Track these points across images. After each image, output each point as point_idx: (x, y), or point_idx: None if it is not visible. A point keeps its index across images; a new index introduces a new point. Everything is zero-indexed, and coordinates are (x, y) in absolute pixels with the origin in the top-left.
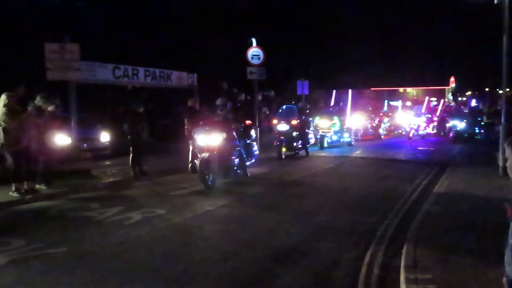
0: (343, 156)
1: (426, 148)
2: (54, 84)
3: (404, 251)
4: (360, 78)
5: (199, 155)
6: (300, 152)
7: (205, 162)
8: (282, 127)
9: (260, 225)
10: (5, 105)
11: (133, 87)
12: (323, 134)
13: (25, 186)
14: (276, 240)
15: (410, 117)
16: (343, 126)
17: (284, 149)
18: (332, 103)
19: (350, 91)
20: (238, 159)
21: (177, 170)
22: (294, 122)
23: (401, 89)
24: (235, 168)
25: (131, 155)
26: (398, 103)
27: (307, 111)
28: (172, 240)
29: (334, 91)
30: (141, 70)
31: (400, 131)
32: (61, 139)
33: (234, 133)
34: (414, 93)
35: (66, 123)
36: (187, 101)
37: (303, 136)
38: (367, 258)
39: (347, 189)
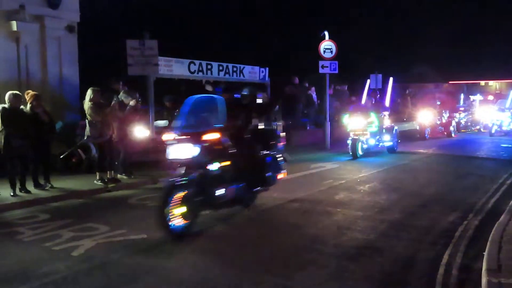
0: (417, 152)
1: (510, 146)
2: (133, 79)
3: (486, 253)
4: (437, 70)
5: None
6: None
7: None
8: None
9: (331, 220)
10: (90, 99)
11: (207, 81)
12: (356, 137)
13: (108, 176)
14: (348, 237)
15: (493, 112)
16: (381, 125)
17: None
18: (365, 94)
19: (391, 79)
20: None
21: None
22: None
23: (482, 82)
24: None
25: None
26: (476, 97)
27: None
28: (245, 231)
29: (370, 79)
30: (215, 65)
31: (477, 127)
32: (141, 132)
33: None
34: (497, 86)
35: (145, 116)
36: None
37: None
38: (445, 259)
39: (422, 187)
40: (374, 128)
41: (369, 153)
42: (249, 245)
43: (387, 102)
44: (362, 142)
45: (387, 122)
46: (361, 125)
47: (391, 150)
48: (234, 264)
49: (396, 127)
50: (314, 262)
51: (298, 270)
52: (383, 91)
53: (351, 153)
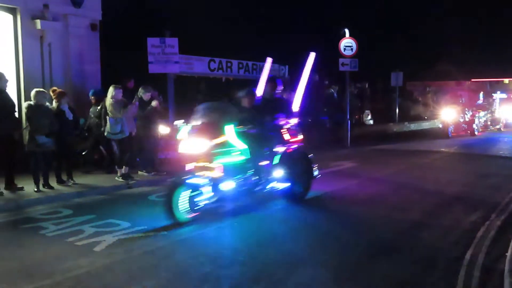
0: (439, 152)
1: None
2: (154, 77)
3: (509, 254)
4: (459, 68)
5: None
6: None
7: None
8: None
9: (351, 219)
10: (112, 97)
11: (227, 79)
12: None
13: (123, 173)
14: (369, 236)
15: None
16: (262, 150)
17: None
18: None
19: (311, 55)
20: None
21: None
22: None
23: (506, 80)
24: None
25: None
26: (497, 95)
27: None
28: (263, 230)
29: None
30: (235, 63)
31: (497, 126)
32: (162, 129)
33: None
34: None
35: (166, 113)
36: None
37: None
38: (467, 260)
39: (443, 186)
40: (233, 158)
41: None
42: (263, 244)
43: (296, 102)
44: (196, 189)
45: (286, 137)
46: (200, 149)
47: (292, 196)
48: (255, 263)
49: (310, 155)
50: (331, 260)
51: (317, 268)
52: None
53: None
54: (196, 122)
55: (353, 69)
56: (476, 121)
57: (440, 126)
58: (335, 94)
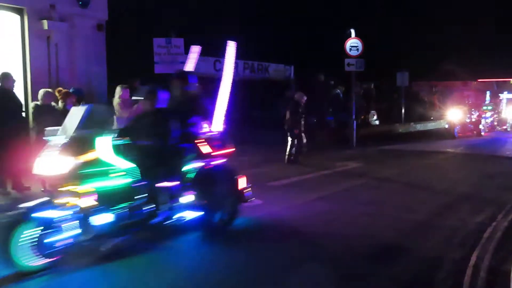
0: (445, 152)
1: None
2: (160, 77)
3: None
4: (465, 68)
5: None
6: None
7: None
8: None
9: (356, 219)
10: (120, 96)
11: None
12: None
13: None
14: (374, 236)
15: None
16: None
17: None
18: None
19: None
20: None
21: (272, 161)
22: None
23: None
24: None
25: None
26: (504, 96)
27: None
28: (268, 230)
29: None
30: (240, 63)
31: (504, 127)
32: None
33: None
34: None
35: None
36: (284, 93)
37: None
38: (473, 261)
39: (449, 186)
40: (113, 180)
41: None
42: (270, 244)
43: (220, 103)
44: (49, 225)
45: (205, 150)
46: (62, 169)
47: (210, 226)
48: (249, 267)
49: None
50: (338, 260)
51: (321, 268)
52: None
53: None
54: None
55: (358, 69)
56: (483, 121)
57: (446, 126)
58: (341, 95)
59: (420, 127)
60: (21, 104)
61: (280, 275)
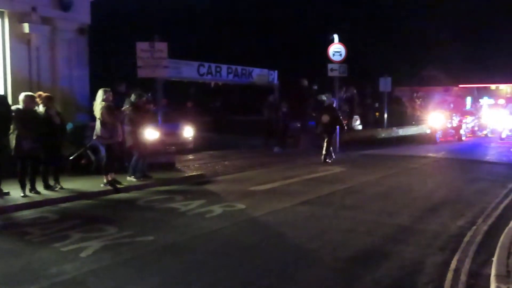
0: (427, 157)
1: None
2: (144, 81)
3: (495, 259)
4: (447, 74)
5: None
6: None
7: None
8: None
9: (339, 224)
10: (103, 100)
11: (216, 84)
12: None
13: (110, 178)
14: (357, 241)
15: (503, 116)
16: None
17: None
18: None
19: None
20: None
21: (256, 166)
22: None
23: (493, 86)
24: None
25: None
26: (484, 101)
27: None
28: (251, 235)
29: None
30: (224, 68)
31: (484, 132)
32: (151, 134)
33: None
34: (509, 90)
35: (155, 118)
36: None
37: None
38: (454, 264)
39: (431, 191)
40: None
41: None
42: (253, 249)
43: None
44: None
45: None
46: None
47: None
48: (241, 269)
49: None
50: (321, 265)
51: (305, 273)
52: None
53: None
54: None
55: (342, 75)
56: (464, 126)
57: (428, 131)
58: (326, 101)
59: (402, 132)
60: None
61: (261, 280)
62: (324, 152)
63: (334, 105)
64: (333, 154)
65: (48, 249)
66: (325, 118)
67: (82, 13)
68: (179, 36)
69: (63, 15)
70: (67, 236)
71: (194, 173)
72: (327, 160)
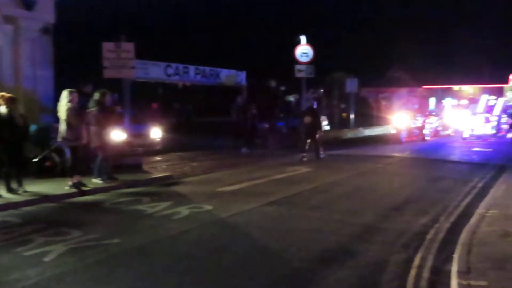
0: (391, 156)
1: (482, 150)
2: (111, 82)
3: (456, 255)
4: (411, 75)
5: None
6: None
7: None
8: None
9: (306, 224)
10: (69, 101)
11: (184, 85)
12: None
13: (75, 180)
14: (322, 240)
15: (465, 116)
16: None
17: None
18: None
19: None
20: None
21: (224, 167)
22: None
23: (456, 87)
24: None
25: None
26: (446, 102)
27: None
28: (218, 236)
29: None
30: (192, 68)
31: (447, 132)
32: (118, 135)
33: None
34: (471, 91)
35: (122, 119)
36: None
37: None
38: (417, 261)
39: (396, 190)
40: None
41: None
42: (220, 251)
43: None
44: None
45: None
46: None
47: None
48: (208, 269)
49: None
50: (287, 265)
51: (270, 274)
52: None
53: None
54: None
55: (309, 76)
56: (427, 126)
57: (393, 131)
58: (294, 102)
59: (368, 132)
60: None
61: (227, 282)
62: (304, 153)
63: (314, 107)
64: (322, 153)
65: (10, 254)
66: (307, 119)
67: (46, 12)
68: (147, 36)
69: (26, 14)
70: (30, 240)
71: (161, 175)
72: (304, 159)
